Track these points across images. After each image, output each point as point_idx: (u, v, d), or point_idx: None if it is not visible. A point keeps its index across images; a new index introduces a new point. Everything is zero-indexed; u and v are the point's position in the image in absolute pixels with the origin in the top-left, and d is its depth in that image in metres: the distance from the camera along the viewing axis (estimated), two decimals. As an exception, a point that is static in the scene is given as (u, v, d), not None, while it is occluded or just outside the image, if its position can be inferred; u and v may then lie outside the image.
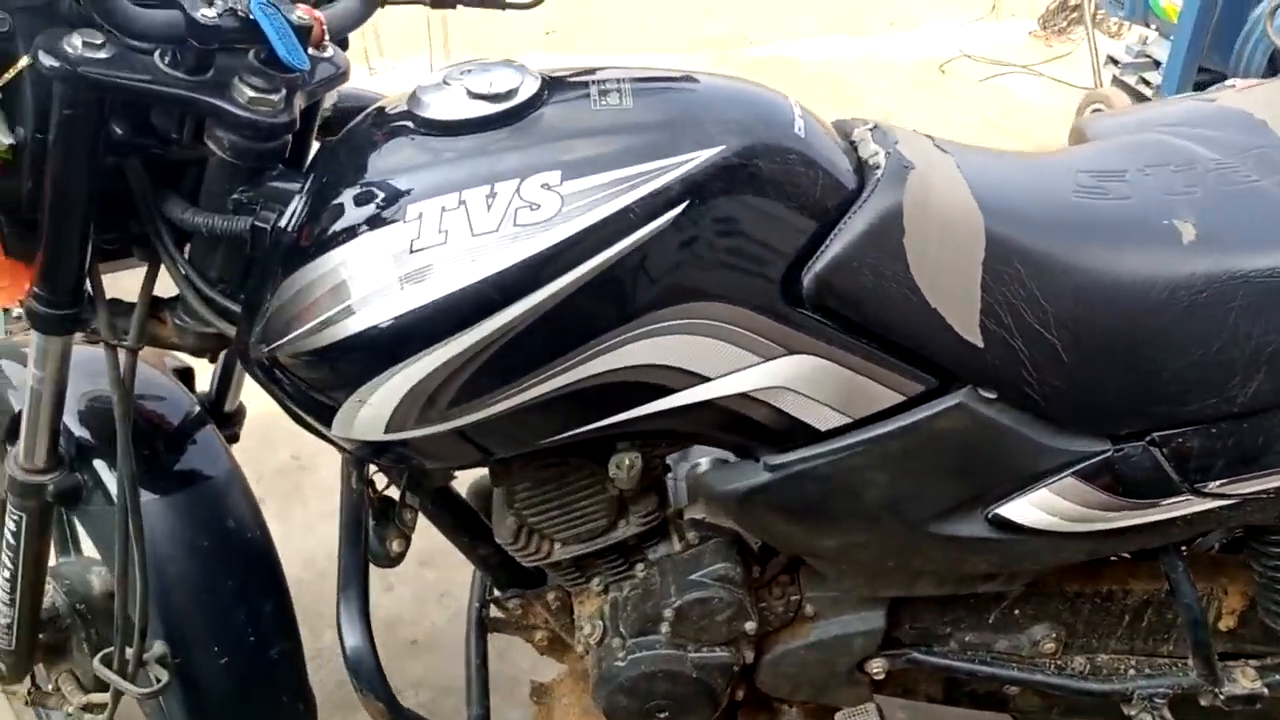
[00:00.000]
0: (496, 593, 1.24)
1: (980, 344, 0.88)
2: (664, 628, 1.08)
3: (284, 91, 0.86)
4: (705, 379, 0.88)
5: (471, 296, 0.80)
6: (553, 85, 0.88)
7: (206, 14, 0.80)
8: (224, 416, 1.27)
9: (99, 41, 0.80)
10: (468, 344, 0.82)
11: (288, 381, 0.91)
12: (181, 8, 0.80)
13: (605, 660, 1.11)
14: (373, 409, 0.86)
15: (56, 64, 0.79)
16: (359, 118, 0.94)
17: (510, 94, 0.85)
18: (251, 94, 0.84)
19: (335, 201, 0.86)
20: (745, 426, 0.92)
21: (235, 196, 0.89)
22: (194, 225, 0.89)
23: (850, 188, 0.87)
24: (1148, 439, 0.92)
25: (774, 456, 0.95)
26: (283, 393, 0.93)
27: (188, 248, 0.95)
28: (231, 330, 0.95)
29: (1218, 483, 0.92)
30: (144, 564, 0.99)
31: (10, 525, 1.11)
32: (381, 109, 0.92)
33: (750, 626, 1.07)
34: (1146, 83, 2.95)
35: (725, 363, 0.88)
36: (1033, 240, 0.89)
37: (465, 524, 1.19)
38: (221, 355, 1.21)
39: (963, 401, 0.90)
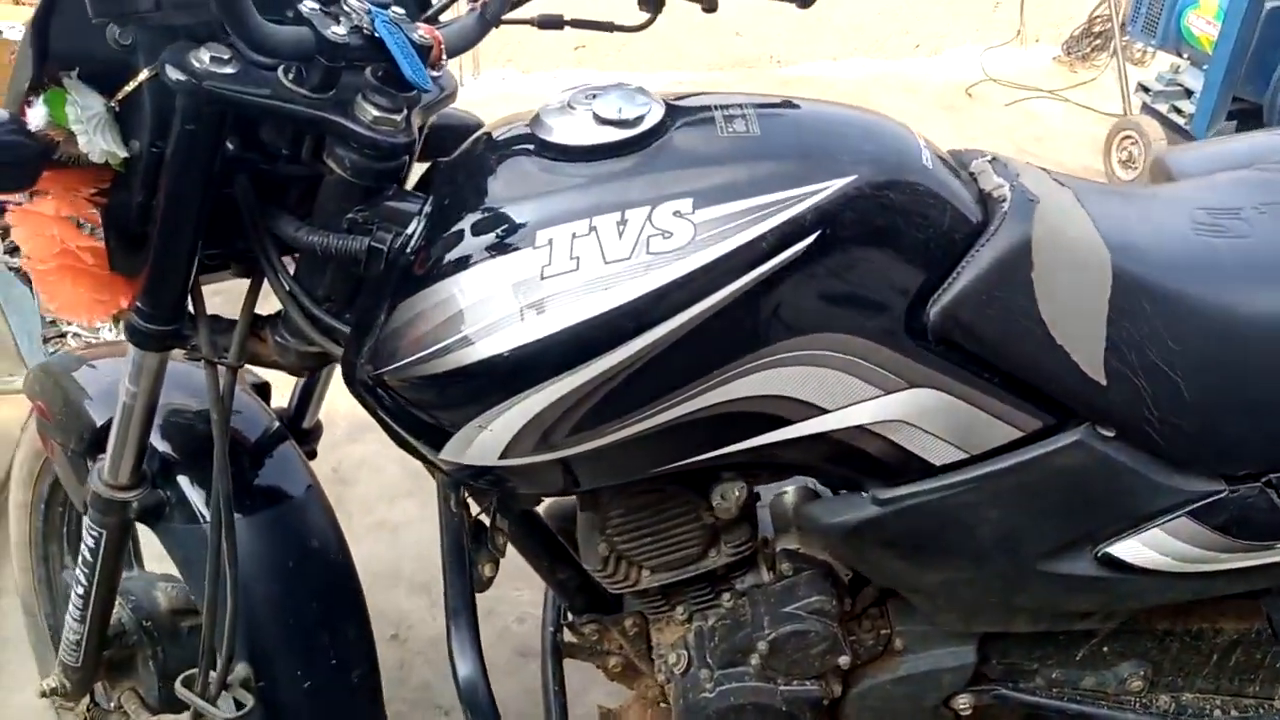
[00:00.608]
0: (570, 617, 1.22)
1: (1103, 382, 0.87)
2: (754, 660, 1.07)
3: (405, 111, 0.85)
4: (823, 411, 0.87)
5: (603, 325, 0.79)
6: (676, 111, 0.87)
7: (337, 31, 0.79)
8: (302, 433, 1.26)
9: (226, 56, 0.79)
10: (596, 372, 0.80)
11: (396, 404, 0.89)
12: (311, 25, 0.79)
13: (691, 691, 1.09)
14: (492, 435, 0.85)
15: (183, 78, 0.78)
16: (473, 139, 0.93)
17: (638, 120, 0.84)
18: (375, 113, 0.83)
19: (456, 225, 0.84)
20: (857, 459, 0.91)
21: (351, 216, 0.88)
22: (308, 244, 0.88)
23: (976, 220, 0.86)
24: (1264, 480, 0.91)
25: (883, 490, 0.93)
26: (388, 414, 0.91)
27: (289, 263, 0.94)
28: (336, 349, 0.94)
29: (1338, 528, 0.91)
30: (235, 586, 0.97)
31: (89, 541, 1.09)
32: (497, 131, 0.91)
33: (844, 660, 1.06)
34: (1179, 111, 2.96)
35: (844, 395, 0.86)
36: (1158, 277, 0.88)
37: (546, 547, 1.17)
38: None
39: (1081, 439, 0.89)
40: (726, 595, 1.09)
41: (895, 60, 3.88)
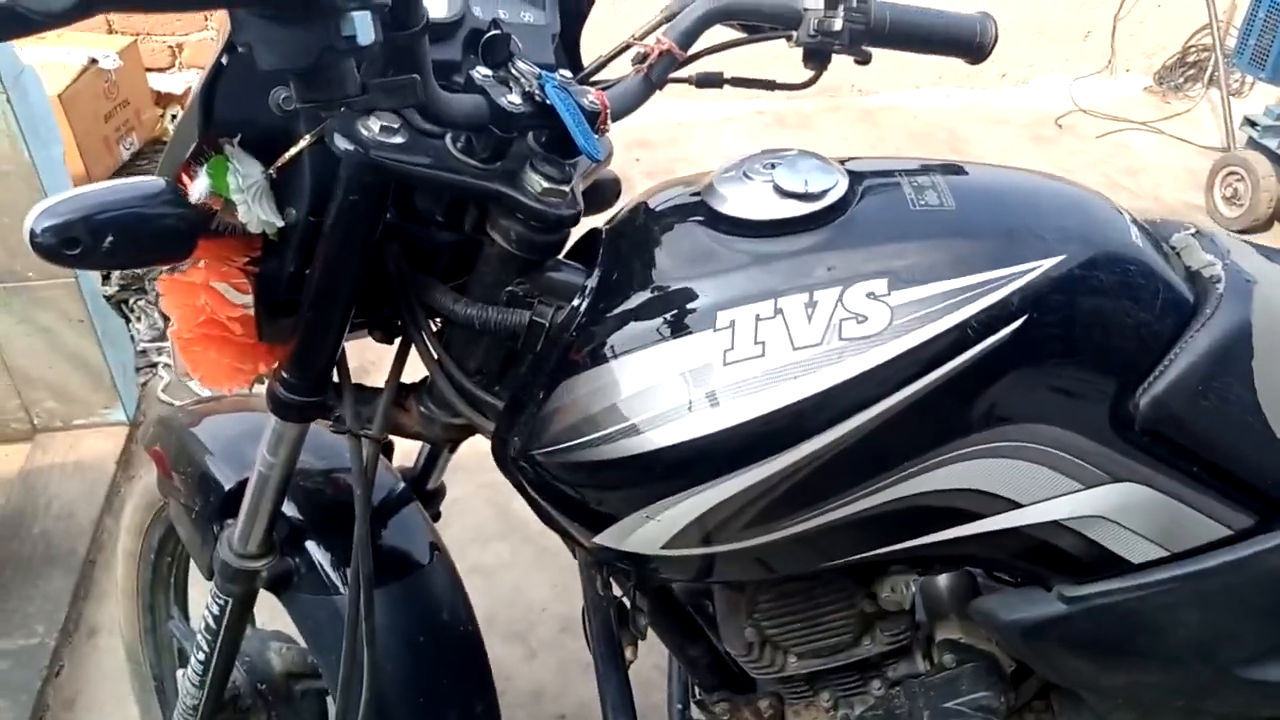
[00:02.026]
0: (700, 694, 1.16)
1: (1327, 479, 0.80)
2: (909, 756, 1.00)
3: (573, 181, 0.80)
4: (1017, 505, 0.80)
5: (792, 416, 0.73)
6: (859, 180, 0.81)
7: (512, 100, 0.75)
8: (426, 495, 1.22)
9: (396, 125, 0.75)
10: (780, 467, 0.75)
11: (551, 486, 0.84)
12: (486, 94, 0.75)
13: (842, 785, 1.03)
14: (659, 526, 0.80)
15: (351, 147, 0.74)
16: (634, 206, 0.88)
17: (823, 193, 0.78)
18: (545, 184, 0.78)
19: (625, 303, 0.80)
20: (1046, 555, 0.84)
21: (511, 289, 0.84)
22: (466, 317, 0.83)
23: (1189, 302, 0.79)
24: None
25: (1071, 587, 0.86)
26: (541, 495, 0.87)
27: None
28: (485, 424, 0.89)
29: None
30: (373, 665, 0.93)
31: (213, 609, 1.06)
32: (663, 198, 0.86)
33: (1009, 760, 0.99)
34: (1291, 147, 2.84)
35: (1042, 489, 0.80)
36: (1390, 366, 0.80)
37: (679, 624, 1.11)
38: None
39: (1296, 539, 0.82)
40: (876, 683, 1.03)
41: (982, 90, 3.78)
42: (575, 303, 0.82)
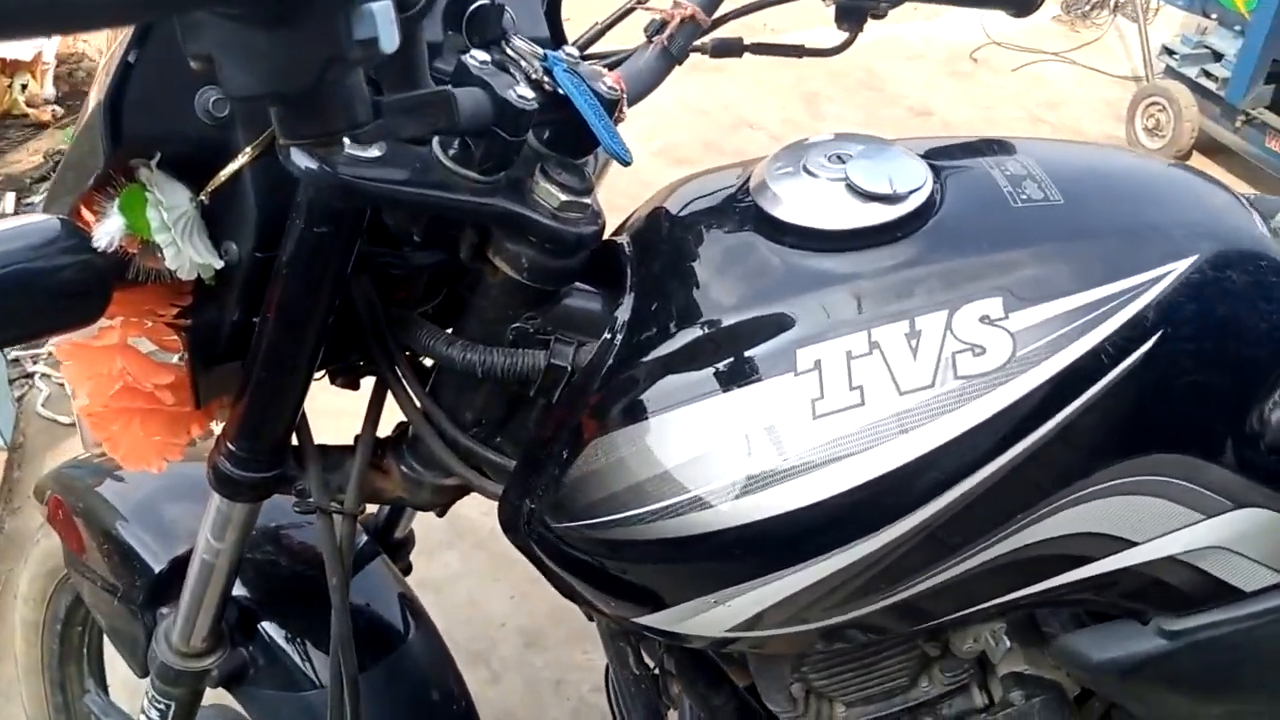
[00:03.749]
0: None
1: None
2: (977, 802, 0.90)
3: (593, 190, 0.64)
4: (1132, 544, 0.69)
5: (903, 479, 0.60)
6: (939, 170, 0.67)
7: (523, 94, 0.58)
8: (393, 546, 1.04)
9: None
10: (889, 539, 0.61)
11: (583, 563, 0.69)
12: (489, 87, 0.57)
13: (899, 839, 0.92)
14: (729, 611, 0.65)
15: (314, 166, 0.55)
16: (653, 211, 0.72)
17: (910, 193, 0.64)
18: (563, 197, 0.62)
19: (672, 339, 0.64)
20: (1150, 592, 0.74)
21: (519, 325, 0.67)
22: (466, 363, 0.66)
23: (1319, 297, 0.68)
24: None
25: (1171, 620, 0.76)
26: (568, 571, 0.71)
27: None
28: (490, 485, 0.73)
29: None
30: None
31: (151, 714, 0.88)
32: (697, 198, 0.71)
33: (1085, 797, 0.89)
34: (1210, 75, 2.82)
35: (1160, 524, 0.69)
36: None
37: (702, 672, 0.98)
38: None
39: None
40: (929, 721, 0.92)
41: (894, 25, 3.68)
42: (606, 338, 0.66)
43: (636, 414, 0.64)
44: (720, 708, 1.00)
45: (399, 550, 1.06)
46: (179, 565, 0.87)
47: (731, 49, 0.78)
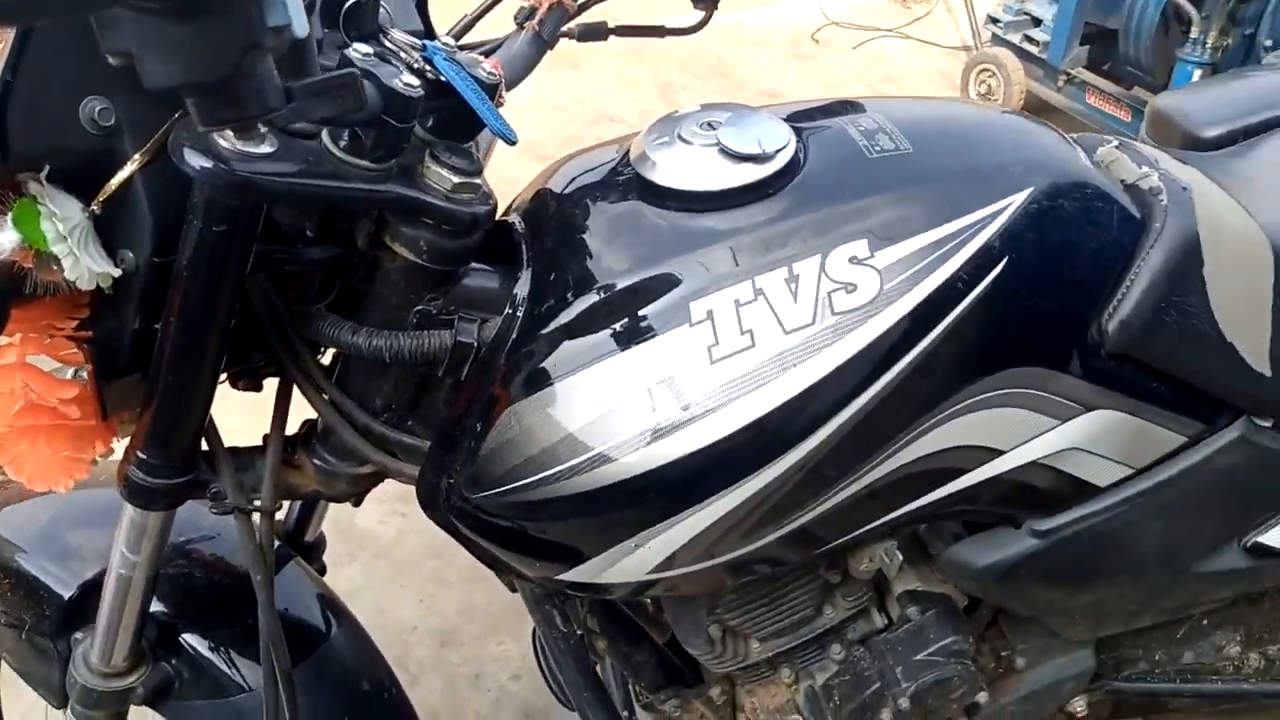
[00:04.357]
0: (645, 696, 1.09)
1: (1268, 373, 0.81)
2: (885, 715, 0.97)
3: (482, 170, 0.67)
4: (999, 453, 0.77)
5: (796, 409, 0.65)
6: (804, 133, 0.73)
7: (409, 82, 0.61)
8: (306, 549, 1.05)
9: (262, 131, 0.59)
10: (788, 465, 0.67)
11: (507, 529, 0.73)
12: (375, 78, 0.60)
13: (819, 760, 0.98)
14: (649, 552, 0.70)
15: (209, 164, 0.57)
16: (540, 190, 0.76)
17: (777, 152, 0.69)
18: (455, 179, 0.65)
19: (572, 307, 0.68)
20: (1020, 496, 0.82)
21: (421, 308, 0.70)
22: (373, 349, 0.69)
23: (1137, 218, 0.77)
24: (1402, 442, 0.88)
25: (1040, 521, 0.85)
26: (489, 540, 0.74)
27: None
28: (405, 468, 0.75)
29: None
30: None
31: (76, 743, 0.86)
32: (580, 174, 0.75)
33: (983, 698, 0.97)
34: (1032, 40, 3.02)
35: (1022, 432, 0.76)
36: (1311, 254, 0.82)
37: (623, 631, 1.02)
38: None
39: (1242, 434, 0.83)
40: (836, 648, 0.98)
41: (737, 11, 3.79)
42: (508, 313, 0.69)
43: (544, 381, 0.68)
44: (642, 664, 1.04)
45: (311, 553, 1.07)
46: (89, 589, 0.86)
47: (597, 33, 0.82)
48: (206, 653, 0.86)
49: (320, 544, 1.08)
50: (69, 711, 0.86)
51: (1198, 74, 2.54)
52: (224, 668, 0.86)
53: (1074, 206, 0.73)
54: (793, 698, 1.00)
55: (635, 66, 3.46)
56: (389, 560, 1.86)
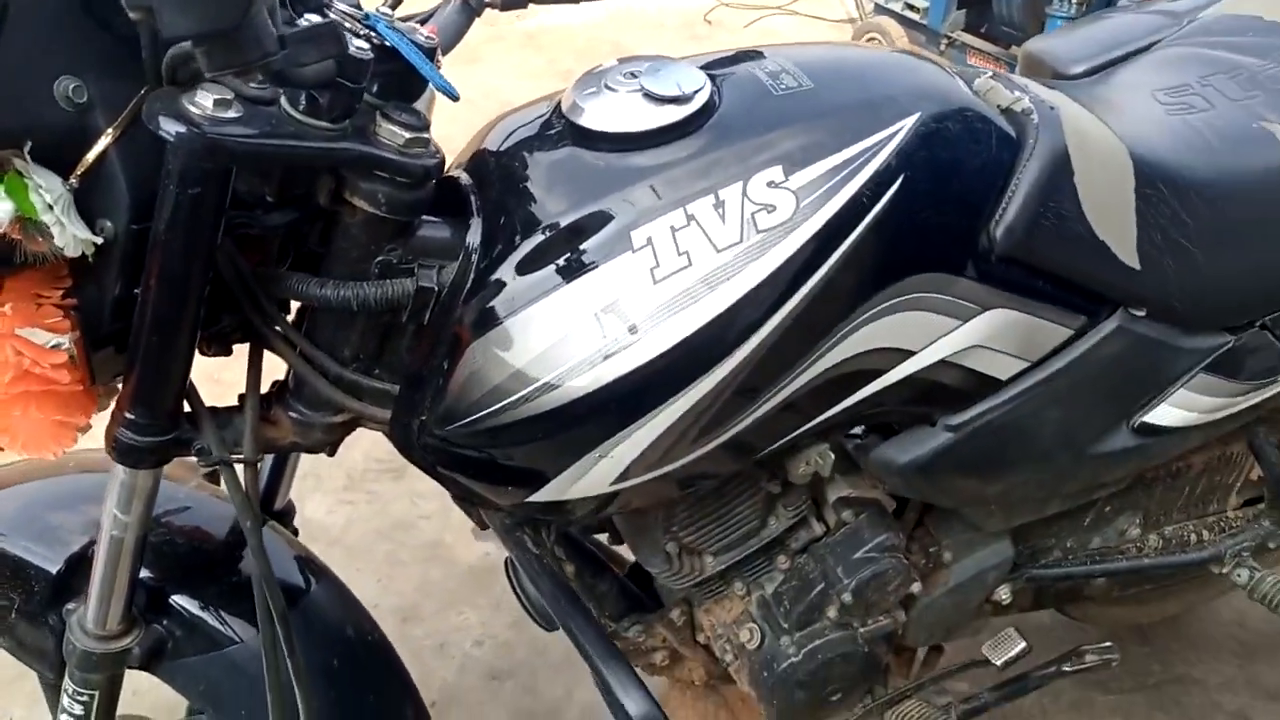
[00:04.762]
0: (609, 624, 1.16)
1: (1137, 266, 0.92)
2: (831, 612, 1.06)
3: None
4: (910, 353, 0.86)
5: (732, 317, 0.74)
6: (714, 77, 0.81)
7: (360, 47, 0.67)
8: (277, 516, 1.09)
9: (229, 97, 0.64)
10: (729, 369, 0.75)
11: (478, 458, 0.79)
12: None
13: (776, 662, 1.07)
14: (612, 462, 0.77)
15: (184, 129, 0.63)
16: (480, 147, 0.82)
17: (695, 94, 0.77)
18: (406, 135, 0.71)
19: (522, 247, 0.75)
20: (934, 392, 0.91)
21: (382, 258, 0.76)
22: (341, 300, 0.75)
23: (1013, 136, 0.87)
24: (1259, 324, 1.01)
25: (952, 417, 0.94)
26: (461, 472, 0.81)
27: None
28: (378, 412, 0.82)
29: (1320, 349, 1.02)
30: (310, 708, 0.84)
31: (74, 710, 0.90)
32: (518, 127, 0.82)
33: (916, 588, 1.07)
34: (912, 7, 3.18)
35: (930, 332, 0.86)
36: (1163, 159, 0.93)
37: (588, 564, 1.10)
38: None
39: (1120, 324, 0.94)
40: (781, 558, 1.07)
41: (629, -2, 3.90)
42: (463, 259, 0.76)
43: (501, 316, 0.75)
44: (606, 593, 1.12)
45: (282, 519, 1.11)
46: (75, 562, 0.90)
47: (519, 2, 0.89)
48: (197, 611, 0.91)
49: (290, 511, 1.13)
50: (67, 679, 0.89)
51: (1067, 27, 2.71)
52: (215, 623, 0.91)
53: (957, 129, 0.83)
54: (746, 609, 1.09)
55: (533, 57, 3.52)
56: (341, 547, 1.90)
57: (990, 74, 0.94)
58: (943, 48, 3.15)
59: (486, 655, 1.72)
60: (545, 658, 1.72)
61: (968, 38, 3.10)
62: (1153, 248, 0.92)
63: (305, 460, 1.13)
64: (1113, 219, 0.90)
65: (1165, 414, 1.01)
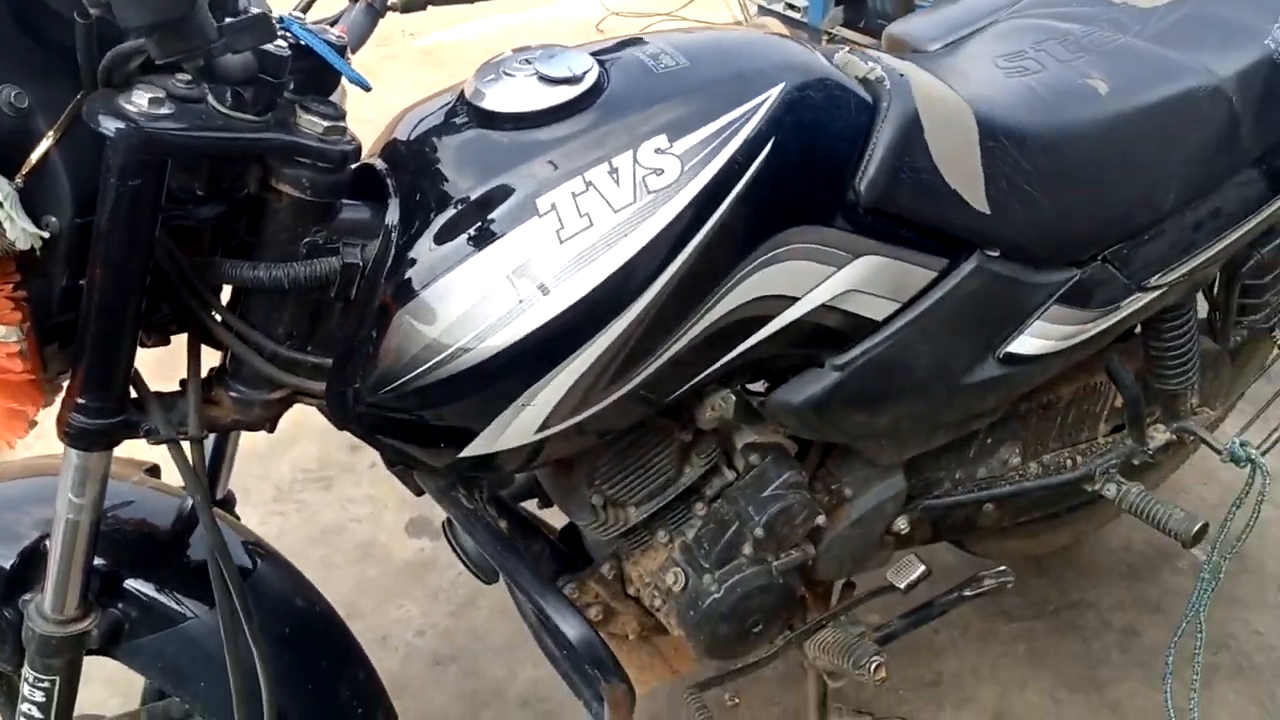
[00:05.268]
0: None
1: (988, 211, 1.04)
2: (747, 549, 1.15)
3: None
4: (794, 300, 0.96)
5: (634, 267, 0.83)
6: (604, 62, 0.90)
7: (279, 45, 0.74)
8: (218, 504, 1.14)
9: (162, 95, 0.71)
10: (635, 314, 0.84)
11: (409, 420, 0.87)
12: None
13: (700, 600, 1.16)
14: (534, 409, 0.86)
15: (123, 125, 0.69)
16: (391, 136, 0.90)
17: (584, 75, 0.86)
18: (325, 124, 0.79)
19: (440, 219, 0.83)
20: (819, 335, 1.02)
21: (309, 240, 0.83)
22: (274, 280, 0.82)
23: (870, 102, 0.98)
24: (1100, 258, 1.14)
25: (838, 357, 1.05)
26: (395, 436, 0.89)
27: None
28: (314, 385, 0.88)
29: (1155, 277, 1.16)
30: (268, 671, 0.90)
31: (35, 696, 0.94)
32: (424, 115, 0.89)
33: (821, 519, 1.18)
34: (793, 7, 3.33)
35: (809, 280, 0.96)
36: (1004, 116, 1.06)
37: (519, 526, 1.18)
38: (212, 438, 1.09)
39: (978, 264, 1.06)
40: (699, 505, 1.16)
41: (522, 12, 3.96)
42: (384, 236, 0.83)
43: (423, 284, 0.82)
44: (539, 554, 1.20)
45: (224, 507, 1.16)
46: (28, 556, 0.94)
47: (418, 4, 0.97)
48: (151, 592, 0.96)
49: (231, 499, 1.18)
50: (27, 667, 0.93)
51: (936, 17, 2.89)
52: (169, 602, 0.96)
53: (819, 96, 0.94)
54: (670, 555, 1.18)
55: (431, 74, 3.57)
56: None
57: (847, 49, 1.06)
58: (824, 43, 3.31)
59: (429, 643, 1.78)
60: (485, 642, 1.78)
61: (846, 32, 3.26)
62: (1000, 193, 1.04)
63: (233, 475, 1.19)
64: (962, 169, 1.02)
65: (1026, 343, 1.14)
